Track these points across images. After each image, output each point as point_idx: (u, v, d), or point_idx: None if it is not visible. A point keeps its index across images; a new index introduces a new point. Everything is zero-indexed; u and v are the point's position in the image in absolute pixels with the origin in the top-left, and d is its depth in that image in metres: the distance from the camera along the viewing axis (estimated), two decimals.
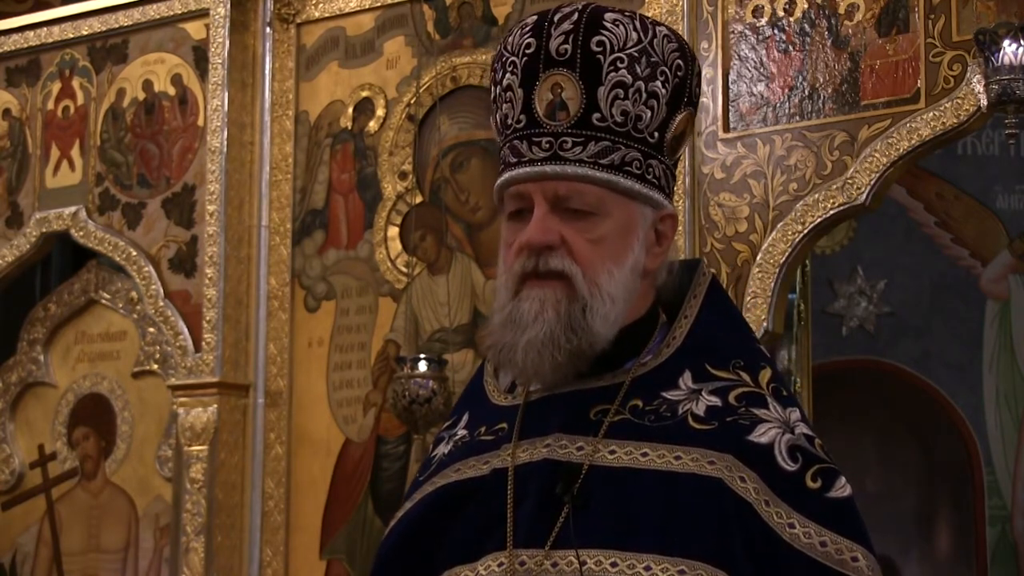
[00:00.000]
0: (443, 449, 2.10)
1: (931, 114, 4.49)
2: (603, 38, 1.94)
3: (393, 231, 5.52)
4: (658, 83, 1.95)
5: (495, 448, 2.02)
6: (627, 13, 1.99)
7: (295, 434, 5.60)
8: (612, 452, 1.94)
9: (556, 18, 1.97)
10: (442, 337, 5.35)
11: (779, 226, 4.68)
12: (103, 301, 6.18)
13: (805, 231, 4.65)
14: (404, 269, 5.47)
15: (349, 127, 5.65)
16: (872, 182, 4.55)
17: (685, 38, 2.17)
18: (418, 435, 5.20)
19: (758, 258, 4.68)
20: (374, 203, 5.58)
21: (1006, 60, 4.32)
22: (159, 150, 5.90)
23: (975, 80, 4.41)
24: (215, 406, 5.54)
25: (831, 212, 4.62)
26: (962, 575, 7.33)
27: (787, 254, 4.66)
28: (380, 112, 5.60)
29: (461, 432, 2.10)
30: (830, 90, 4.68)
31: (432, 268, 5.44)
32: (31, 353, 6.32)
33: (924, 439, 7.43)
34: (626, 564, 1.86)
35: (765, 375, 2.00)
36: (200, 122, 5.80)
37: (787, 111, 4.74)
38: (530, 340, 1.93)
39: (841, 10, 4.70)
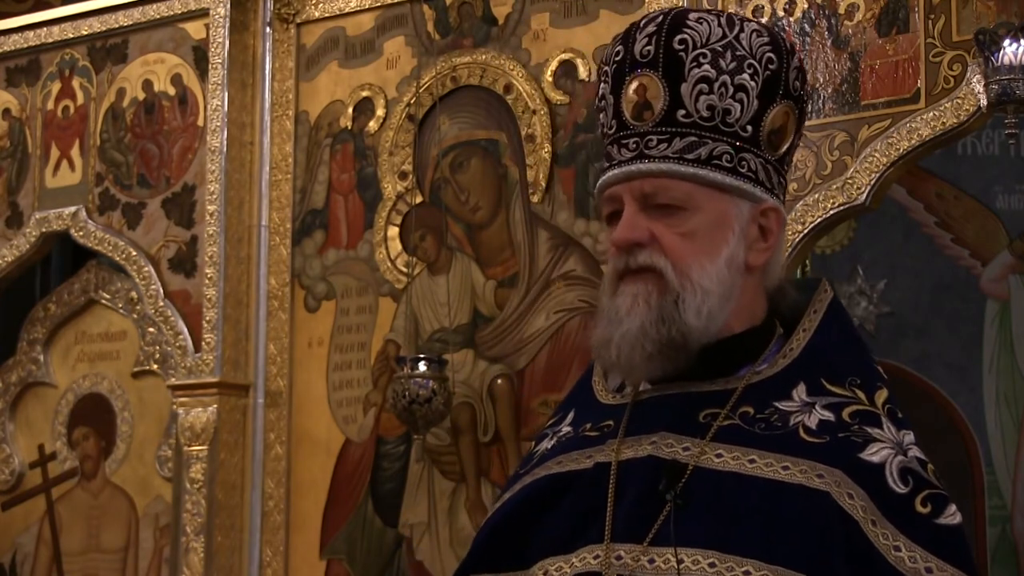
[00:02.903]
0: (546, 444, 2.10)
1: (931, 114, 4.49)
2: (685, 36, 1.95)
3: (393, 231, 5.52)
4: (746, 76, 1.94)
5: (600, 443, 2.01)
6: (713, 11, 2.00)
7: (295, 434, 5.60)
8: (719, 455, 1.92)
9: (643, 23, 1.99)
10: (442, 337, 5.35)
11: None
12: (103, 301, 6.18)
13: (805, 231, 4.65)
14: (404, 269, 5.47)
15: (349, 127, 5.65)
16: (872, 182, 4.55)
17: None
18: (418, 435, 5.20)
19: None
20: (374, 203, 5.57)
21: (1006, 60, 4.32)
22: (159, 150, 5.90)
23: (975, 80, 4.41)
24: (215, 406, 5.54)
25: (831, 212, 4.62)
26: None
27: (787, 254, 4.66)
28: (380, 112, 5.60)
29: (566, 428, 2.09)
30: (830, 90, 4.68)
31: (432, 268, 5.44)
32: (31, 353, 6.32)
33: (924, 439, 7.41)
34: (724, 566, 1.84)
35: (881, 395, 2.00)
36: (200, 122, 5.80)
37: None
38: (623, 334, 1.94)
39: (841, 10, 4.70)
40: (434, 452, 5.30)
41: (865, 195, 4.57)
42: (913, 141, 4.51)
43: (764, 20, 4.81)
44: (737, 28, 1.96)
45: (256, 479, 5.60)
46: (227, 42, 5.72)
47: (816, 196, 4.63)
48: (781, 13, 4.79)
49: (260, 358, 5.66)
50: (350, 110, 5.66)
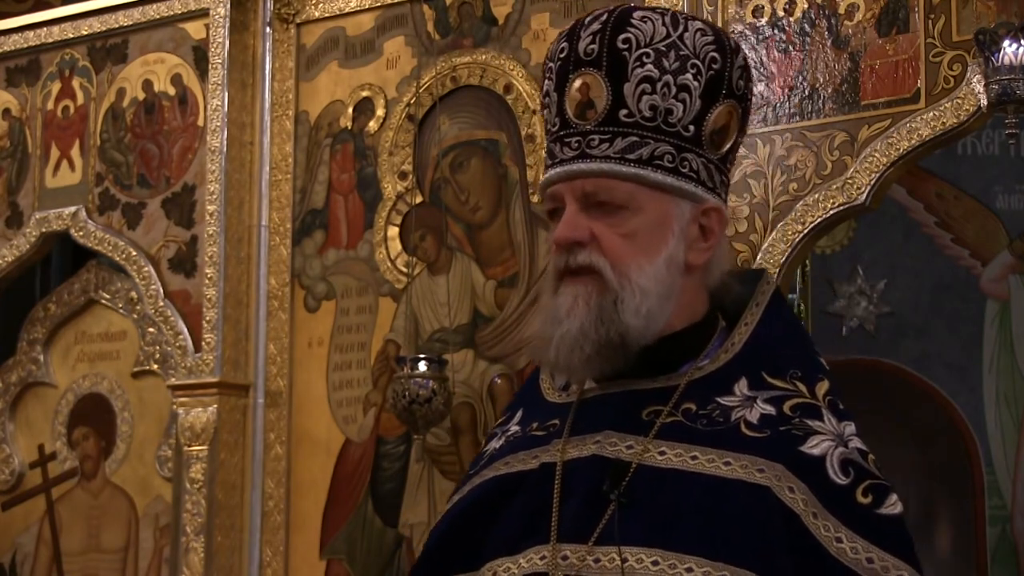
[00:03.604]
0: (495, 444, 2.12)
1: (931, 114, 4.49)
2: (629, 35, 1.96)
3: (393, 231, 5.52)
4: (689, 76, 1.95)
5: (545, 443, 2.03)
6: (658, 10, 2.01)
7: (295, 434, 5.60)
8: (662, 453, 1.94)
9: (588, 20, 2.00)
10: (442, 337, 5.35)
11: (779, 226, 4.68)
12: (103, 301, 6.18)
13: (805, 231, 4.65)
14: (404, 269, 5.47)
15: (349, 127, 5.65)
16: (872, 182, 4.55)
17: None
18: (418, 435, 5.20)
19: (758, 258, 4.68)
20: (374, 203, 5.57)
21: (1006, 60, 4.31)
22: (159, 150, 5.90)
23: (975, 80, 4.41)
24: (215, 406, 5.54)
25: (831, 212, 4.62)
26: (962, 575, 7.33)
27: (787, 254, 4.66)
28: (380, 112, 5.60)
29: (514, 428, 2.11)
30: (830, 90, 4.68)
31: (432, 268, 5.44)
32: (31, 353, 6.32)
33: (924, 439, 7.42)
34: (667, 564, 1.86)
35: (822, 387, 2.00)
36: (200, 122, 5.80)
37: (787, 111, 4.73)
38: (563, 335, 1.95)
39: (841, 10, 4.70)
40: (434, 452, 5.30)
41: (865, 195, 4.57)
42: (913, 141, 4.51)
43: (764, 20, 4.81)
44: (681, 27, 1.97)
45: (256, 479, 5.60)
46: (227, 42, 5.72)
47: (816, 196, 4.63)
48: (781, 13, 4.79)
49: (260, 358, 5.66)
50: (350, 110, 5.66)
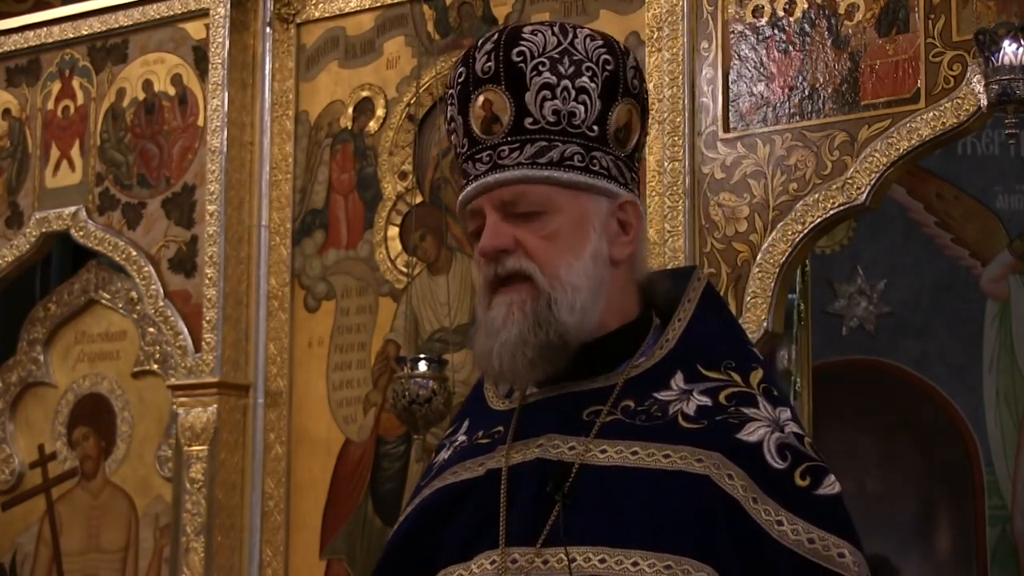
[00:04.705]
0: (443, 455, 2.15)
1: (931, 114, 4.49)
2: (523, 48, 2.01)
3: (393, 231, 5.53)
4: (585, 79, 2.00)
5: (491, 450, 2.06)
6: (546, 23, 2.06)
7: (295, 434, 5.60)
8: (603, 451, 1.97)
9: (480, 43, 2.05)
10: (442, 337, 5.36)
11: (779, 226, 4.68)
12: (103, 301, 6.18)
13: (805, 231, 4.65)
14: (404, 269, 5.47)
15: (349, 127, 5.65)
16: (872, 182, 4.56)
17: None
18: (418, 435, 5.20)
19: (758, 258, 4.68)
20: (374, 203, 5.58)
21: (1006, 60, 4.32)
22: (159, 150, 5.90)
23: (975, 80, 4.41)
24: (215, 406, 5.54)
25: (831, 212, 4.63)
26: (962, 575, 7.33)
27: (787, 254, 4.66)
28: (380, 112, 5.60)
29: (461, 438, 2.15)
30: (830, 90, 4.68)
31: (432, 268, 5.44)
32: (31, 353, 6.32)
33: (924, 439, 7.43)
34: (614, 560, 1.89)
35: (756, 375, 2.03)
36: (200, 122, 5.80)
37: (787, 111, 4.74)
38: (502, 343, 1.98)
39: (841, 10, 4.70)
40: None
41: (865, 195, 4.57)
42: (913, 141, 4.51)
43: (764, 20, 4.81)
44: (571, 35, 2.02)
45: (256, 479, 5.60)
46: (227, 42, 5.72)
47: (816, 196, 4.63)
48: (781, 13, 4.79)
49: (260, 358, 5.66)
50: (350, 110, 5.66)
